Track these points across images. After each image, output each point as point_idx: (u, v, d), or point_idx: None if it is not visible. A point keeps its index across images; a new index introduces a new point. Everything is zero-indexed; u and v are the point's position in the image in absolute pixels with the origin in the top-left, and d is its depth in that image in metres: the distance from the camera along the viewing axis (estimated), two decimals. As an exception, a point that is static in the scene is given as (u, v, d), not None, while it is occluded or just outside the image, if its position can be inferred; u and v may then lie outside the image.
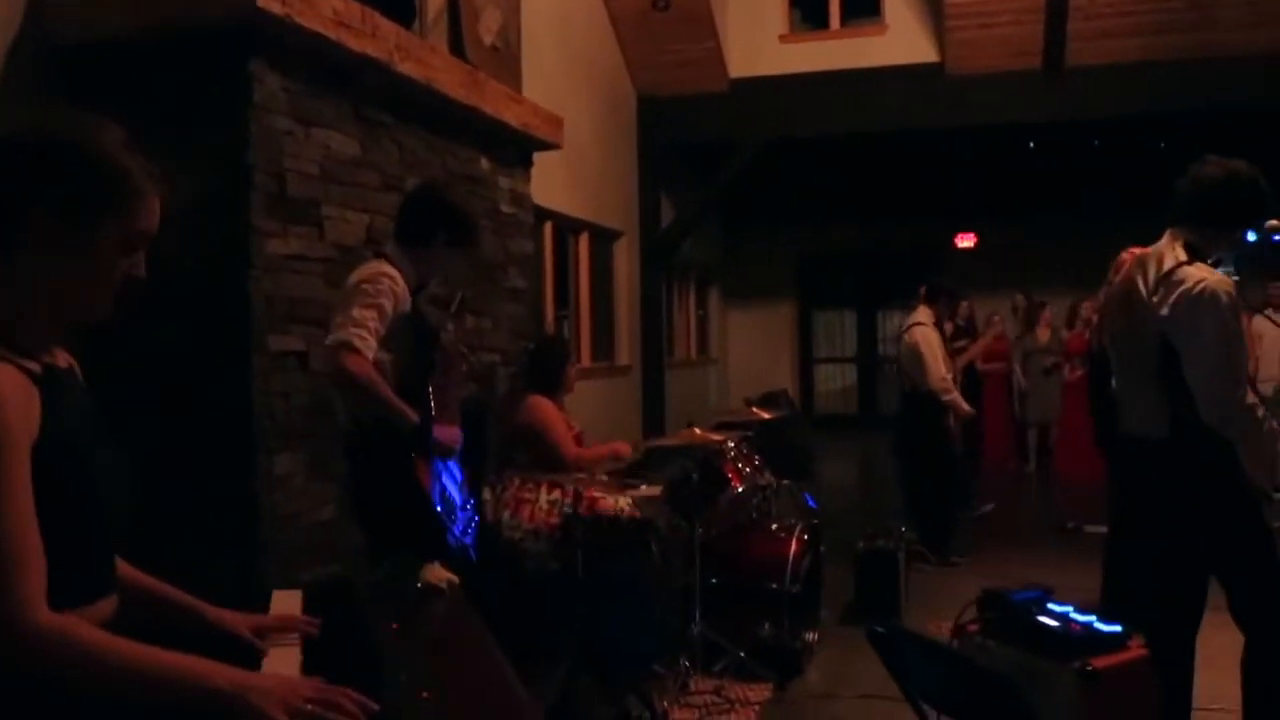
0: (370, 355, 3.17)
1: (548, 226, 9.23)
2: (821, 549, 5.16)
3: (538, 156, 7.17)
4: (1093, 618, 2.51)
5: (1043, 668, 2.42)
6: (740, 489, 4.71)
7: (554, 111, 6.94)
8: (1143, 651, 2.45)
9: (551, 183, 8.78)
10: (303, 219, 4.61)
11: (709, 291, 15.00)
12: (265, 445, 4.38)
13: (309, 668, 1.77)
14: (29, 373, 1.56)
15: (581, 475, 4.80)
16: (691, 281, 14.18)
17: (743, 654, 4.58)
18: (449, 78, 5.38)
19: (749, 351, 15.35)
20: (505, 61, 6.41)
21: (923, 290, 7.22)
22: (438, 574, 2.25)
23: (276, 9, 4.15)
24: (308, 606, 2.11)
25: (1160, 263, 3.33)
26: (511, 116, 6.11)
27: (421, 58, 5.13)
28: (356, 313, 3.19)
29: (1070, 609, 2.57)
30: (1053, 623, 2.52)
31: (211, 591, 2.03)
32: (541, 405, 5.16)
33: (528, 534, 4.82)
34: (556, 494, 4.72)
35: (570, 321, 10.02)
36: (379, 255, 3.46)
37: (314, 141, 4.67)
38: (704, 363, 14.62)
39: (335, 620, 1.98)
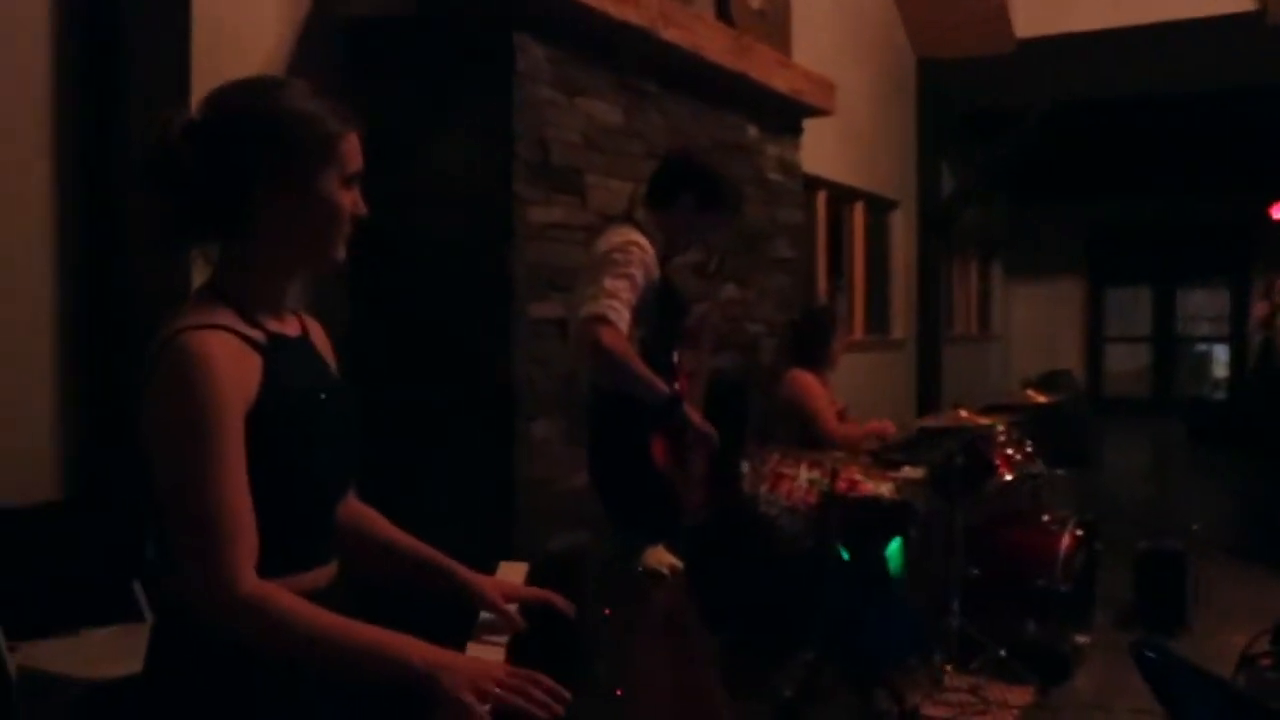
0: (624, 327, 3.11)
1: (821, 195, 9.00)
2: (1097, 545, 4.78)
3: (809, 124, 6.98)
4: None
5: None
6: (1009, 477, 4.42)
7: (826, 76, 6.71)
8: None
9: (824, 150, 8.54)
10: (565, 187, 4.64)
11: (992, 264, 14.31)
12: (524, 411, 4.45)
13: (514, 642, 1.72)
14: (253, 342, 1.58)
15: (840, 454, 4.64)
16: (974, 253, 13.57)
17: (1003, 652, 4.30)
18: (715, 44, 5.28)
19: (1034, 328, 14.52)
20: (773, 26, 6.26)
21: None
22: (660, 557, 2.16)
23: (539, -20, 4.17)
24: (532, 579, 2.06)
25: None
26: (780, 82, 5.94)
27: (686, 24, 5.05)
28: (608, 284, 3.13)
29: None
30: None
31: (466, 554, 2.00)
32: (803, 379, 5.03)
33: (784, 511, 4.71)
34: (816, 472, 4.58)
35: (844, 293, 9.77)
36: (629, 221, 3.40)
37: (577, 110, 4.68)
38: (985, 339, 13.98)
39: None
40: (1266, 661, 2.40)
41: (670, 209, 3.36)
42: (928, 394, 10.69)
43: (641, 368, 3.11)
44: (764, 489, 4.77)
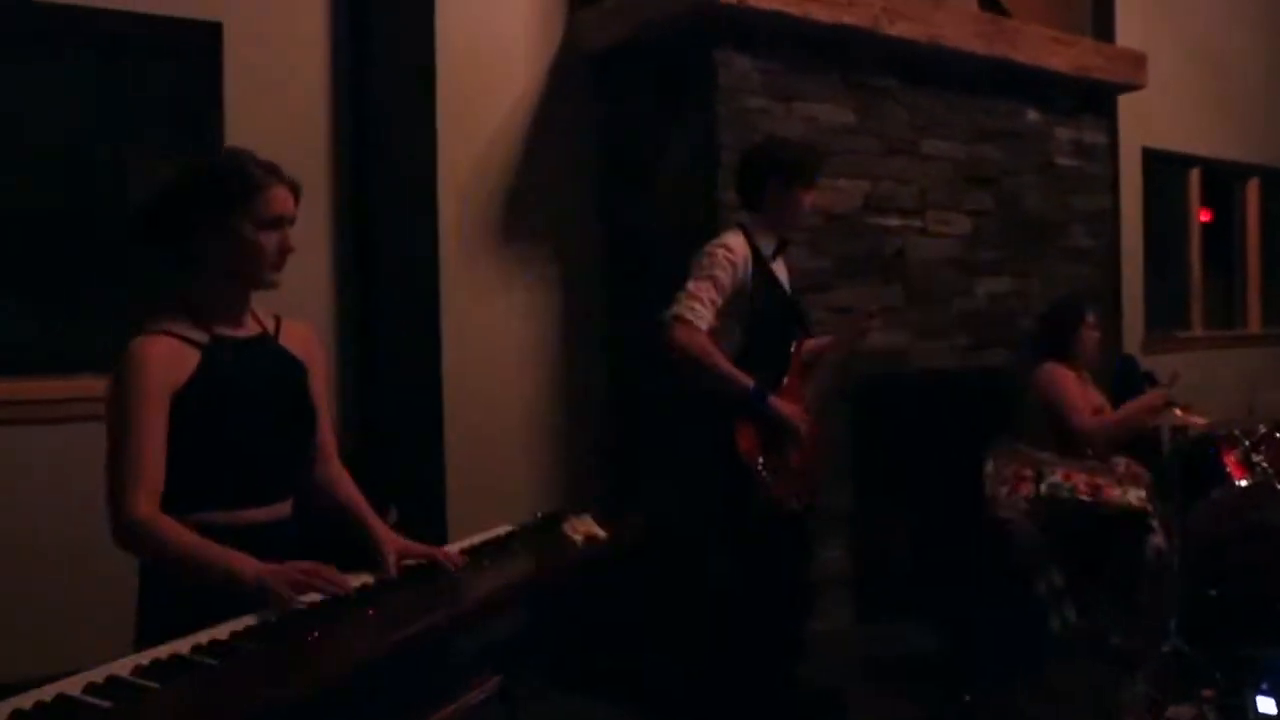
0: (703, 326, 3.28)
1: (1193, 175, 8.24)
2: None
3: (1178, 99, 6.64)
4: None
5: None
6: (1243, 483, 3.96)
7: (1130, 49, 6.19)
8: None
9: (1198, 125, 7.85)
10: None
11: None
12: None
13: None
14: (193, 342, 2.12)
15: (1054, 459, 4.40)
16: None
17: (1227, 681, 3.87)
18: (959, 31, 5.12)
19: None
20: (1060, 4, 5.90)
21: None
22: (580, 527, 2.31)
23: (732, -4, 4.32)
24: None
25: None
26: (1059, 62, 5.60)
27: (920, 16, 4.95)
28: (691, 286, 3.34)
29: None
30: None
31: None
32: (1053, 373, 4.78)
33: (1022, 516, 4.55)
34: (1058, 476, 4.39)
35: (1238, 282, 8.85)
36: (737, 226, 3.54)
37: (795, 115, 4.78)
38: None
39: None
40: None
41: (763, 201, 3.47)
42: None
43: (718, 361, 3.27)
44: (1003, 491, 4.63)
